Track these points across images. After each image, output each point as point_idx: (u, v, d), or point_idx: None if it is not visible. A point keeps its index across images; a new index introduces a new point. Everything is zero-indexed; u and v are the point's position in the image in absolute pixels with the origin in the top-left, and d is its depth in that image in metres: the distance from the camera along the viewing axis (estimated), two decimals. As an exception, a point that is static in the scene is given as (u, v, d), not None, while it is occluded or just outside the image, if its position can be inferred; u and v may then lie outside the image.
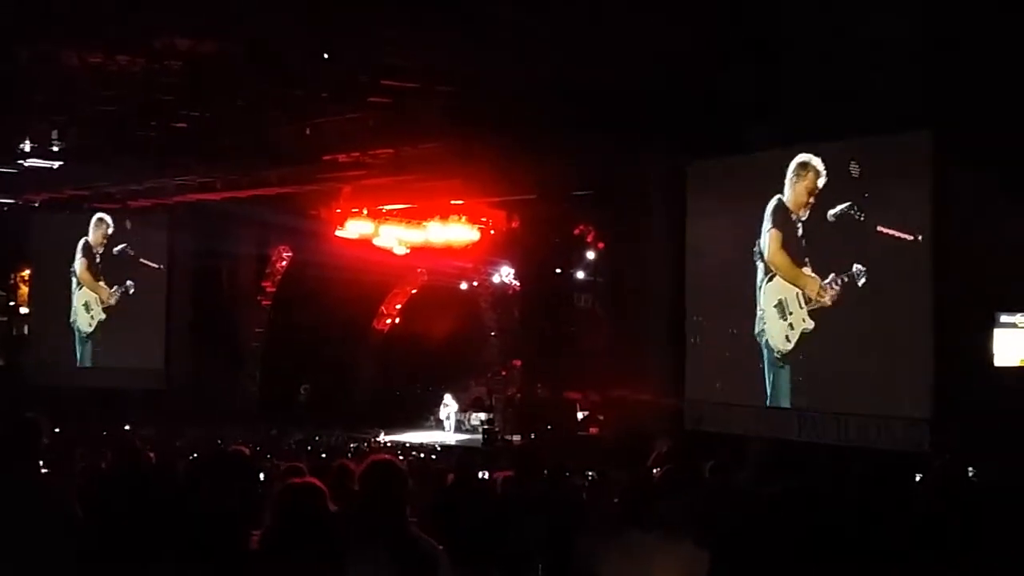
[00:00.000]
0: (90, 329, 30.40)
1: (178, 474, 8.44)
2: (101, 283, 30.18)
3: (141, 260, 29.41)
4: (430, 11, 16.47)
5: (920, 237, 16.36)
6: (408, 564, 5.15)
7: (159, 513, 7.28)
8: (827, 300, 18.00)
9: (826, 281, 18.08)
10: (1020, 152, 14.81)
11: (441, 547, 5.39)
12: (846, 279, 17.57)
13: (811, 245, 18.47)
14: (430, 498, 8.82)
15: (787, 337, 19.34)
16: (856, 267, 17.41)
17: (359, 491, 5.41)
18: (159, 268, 29.34)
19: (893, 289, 16.68)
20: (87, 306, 30.48)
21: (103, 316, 30.23)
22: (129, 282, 29.68)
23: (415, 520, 5.52)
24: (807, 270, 18.61)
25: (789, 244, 19.01)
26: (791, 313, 19.39)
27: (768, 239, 19.12)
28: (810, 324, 18.70)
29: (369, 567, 5.16)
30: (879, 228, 17.03)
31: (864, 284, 17.18)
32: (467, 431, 29.11)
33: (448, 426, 29.55)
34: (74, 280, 30.60)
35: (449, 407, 29.87)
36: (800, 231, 18.53)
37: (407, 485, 5.45)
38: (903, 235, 16.60)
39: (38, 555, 6.88)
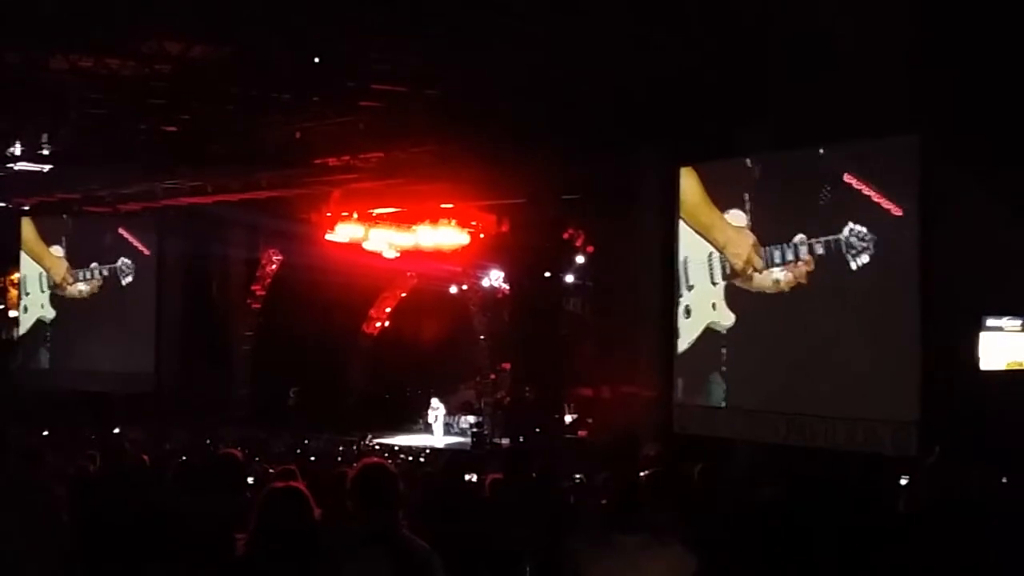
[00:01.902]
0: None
1: (167, 477, 8.46)
2: (55, 249, 29.95)
3: (125, 234, 29.38)
4: (420, 15, 16.50)
5: (903, 211, 16.37)
6: (402, 566, 5.19)
7: (148, 516, 7.30)
8: (781, 280, 17.77)
9: (793, 242, 17.72)
10: (1007, 157, 14.87)
11: (431, 550, 5.43)
12: (822, 249, 17.28)
13: (759, 184, 18.22)
14: (419, 500, 8.84)
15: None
16: (851, 228, 16.78)
17: (351, 494, 5.46)
18: (148, 254, 29.28)
19: (879, 291, 16.72)
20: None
21: (48, 312, 30.13)
22: (124, 259, 29.52)
23: (405, 523, 5.55)
24: (736, 217, 18.43)
25: (711, 169, 18.70)
26: (690, 287, 19.03)
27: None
28: (726, 318, 18.58)
29: (363, 568, 5.20)
30: (847, 178, 16.88)
31: (854, 271, 17.14)
32: (456, 434, 29.12)
33: (436, 429, 29.56)
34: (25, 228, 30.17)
35: (437, 410, 29.87)
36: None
37: (399, 487, 5.52)
38: (885, 202, 16.58)
39: (21, 557, 6.91)
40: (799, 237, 17.72)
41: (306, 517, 5.31)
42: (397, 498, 5.48)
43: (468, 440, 27.49)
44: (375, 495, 5.40)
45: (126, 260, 29.38)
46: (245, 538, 5.40)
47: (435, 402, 30.02)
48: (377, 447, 24.82)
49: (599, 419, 22.83)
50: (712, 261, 18.89)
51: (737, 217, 18.51)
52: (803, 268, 17.54)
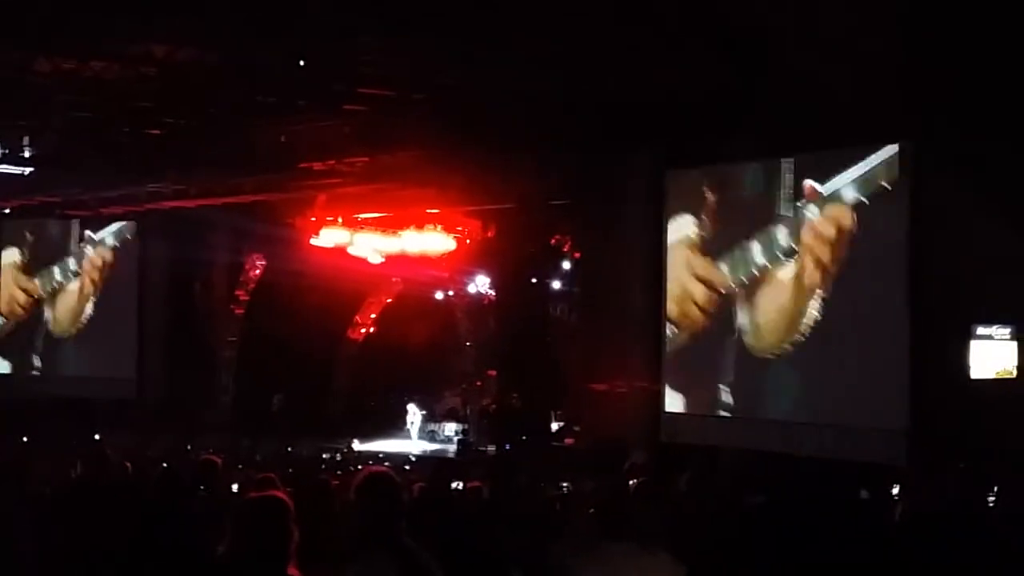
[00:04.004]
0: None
1: (148, 484, 8.35)
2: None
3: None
4: (406, 20, 16.43)
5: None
6: (409, 571, 5.15)
7: (129, 523, 7.20)
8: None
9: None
10: (997, 165, 14.85)
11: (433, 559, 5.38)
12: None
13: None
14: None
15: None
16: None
17: (356, 502, 5.39)
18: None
19: (869, 300, 16.67)
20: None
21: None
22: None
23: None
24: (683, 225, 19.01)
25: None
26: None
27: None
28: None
29: (365, 574, 5.12)
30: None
31: (838, 293, 17.13)
32: (442, 441, 28.98)
33: (413, 435, 29.39)
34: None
35: (414, 416, 29.72)
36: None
37: (403, 495, 5.54)
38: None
39: None
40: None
41: (285, 526, 5.18)
42: (402, 507, 5.46)
43: (448, 447, 27.41)
44: (380, 502, 5.34)
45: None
46: (224, 548, 5.28)
47: (412, 408, 29.90)
48: (360, 453, 24.67)
49: (586, 427, 22.75)
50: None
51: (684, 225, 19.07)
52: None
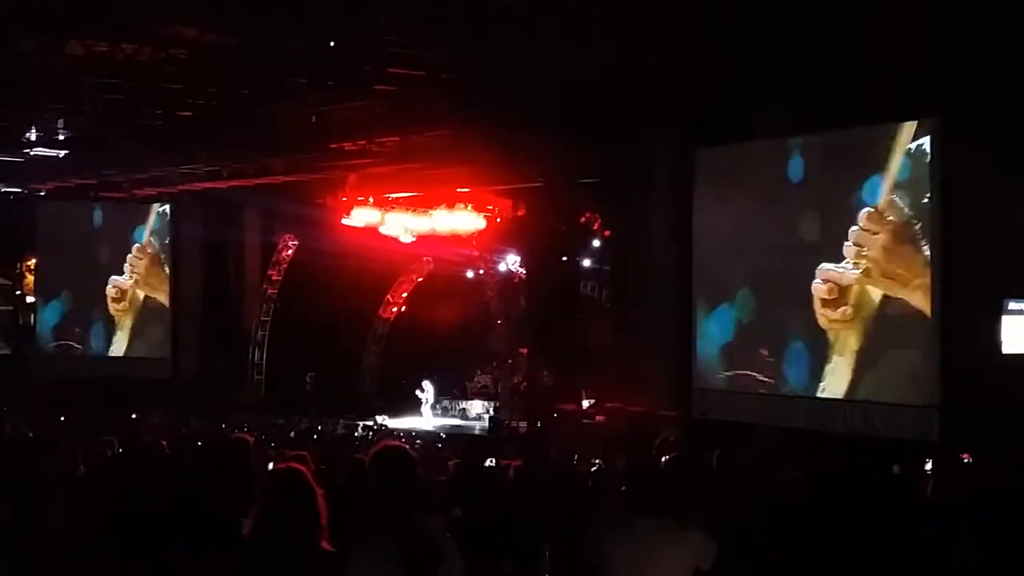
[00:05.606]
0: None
1: (184, 463, 8.44)
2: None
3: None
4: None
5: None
6: (413, 551, 5.12)
7: (165, 502, 7.28)
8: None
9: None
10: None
11: (448, 535, 5.35)
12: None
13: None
14: (437, 485, 8.80)
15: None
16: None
17: (368, 476, 5.39)
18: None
19: (899, 276, 16.62)
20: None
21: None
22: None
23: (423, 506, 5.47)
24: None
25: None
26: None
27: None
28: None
29: (374, 553, 5.13)
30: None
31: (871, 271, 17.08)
32: (472, 419, 29.08)
33: (425, 412, 29.54)
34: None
35: (427, 393, 29.84)
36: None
37: (416, 471, 5.43)
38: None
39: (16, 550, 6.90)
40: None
41: (306, 497, 5.21)
42: (413, 482, 5.37)
43: (473, 424, 27.55)
44: (390, 478, 5.30)
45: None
46: (250, 522, 5.31)
47: (426, 384, 30.02)
48: (394, 432, 24.79)
49: (617, 404, 22.75)
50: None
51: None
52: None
